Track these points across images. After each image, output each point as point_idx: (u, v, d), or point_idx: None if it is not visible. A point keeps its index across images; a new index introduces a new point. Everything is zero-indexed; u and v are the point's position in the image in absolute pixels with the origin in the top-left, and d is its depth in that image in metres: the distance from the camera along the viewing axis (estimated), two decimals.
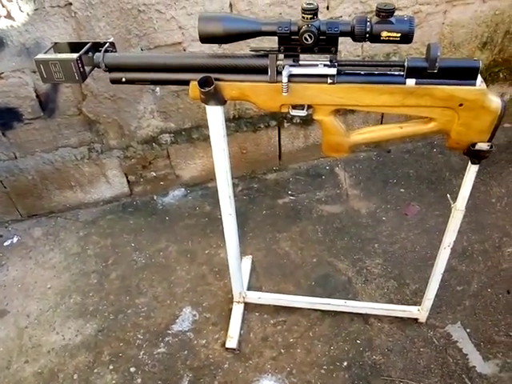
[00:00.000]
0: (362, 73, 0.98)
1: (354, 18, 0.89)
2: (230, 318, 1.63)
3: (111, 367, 1.55)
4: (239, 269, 1.55)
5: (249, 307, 1.68)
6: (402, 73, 0.96)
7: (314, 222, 1.97)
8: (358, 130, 1.12)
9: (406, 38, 0.86)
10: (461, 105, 0.97)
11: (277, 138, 2.17)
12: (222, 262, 1.79)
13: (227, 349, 1.56)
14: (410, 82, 0.96)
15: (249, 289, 1.73)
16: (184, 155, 2.10)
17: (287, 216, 2.01)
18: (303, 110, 1.07)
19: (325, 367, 1.50)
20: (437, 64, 0.91)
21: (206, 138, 2.05)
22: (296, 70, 0.97)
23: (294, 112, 1.08)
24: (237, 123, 2.06)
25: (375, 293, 1.70)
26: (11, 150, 1.90)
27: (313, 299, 1.63)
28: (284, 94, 0.98)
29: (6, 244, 2.01)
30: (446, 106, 0.98)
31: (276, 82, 0.99)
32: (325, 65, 0.97)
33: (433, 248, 1.79)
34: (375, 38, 0.88)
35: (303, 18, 0.89)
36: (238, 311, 1.65)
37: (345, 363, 1.51)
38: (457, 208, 1.21)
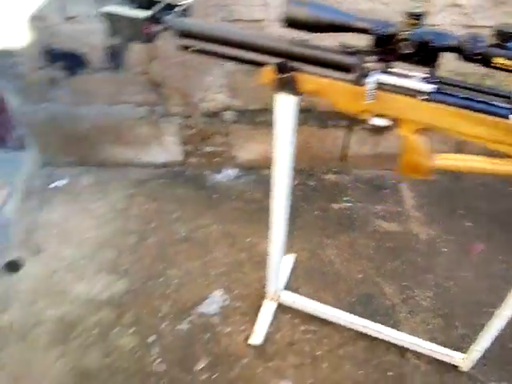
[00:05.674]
0: (461, 96, 0.84)
1: (466, 34, 0.76)
2: (259, 313, 1.55)
3: (131, 331, 1.51)
4: (278, 266, 1.46)
5: (281, 307, 1.58)
6: (509, 106, 0.81)
7: (366, 235, 1.85)
8: (443, 155, 0.99)
9: None
10: None
11: (343, 139, 2.04)
12: (263, 253, 1.69)
13: (250, 344, 1.48)
14: None
15: (285, 288, 1.64)
16: (244, 136, 2.02)
17: (339, 223, 1.90)
18: (386, 120, 0.95)
19: None
20: None
21: (271, 124, 1.96)
22: (386, 79, 0.86)
23: (375, 120, 0.96)
24: (305, 115, 1.93)
25: (418, 327, 1.56)
26: (73, 96, 1.87)
27: (351, 317, 1.51)
28: (367, 101, 0.88)
29: (53, 185, 2.01)
30: None
31: (362, 85, 0.88)
32: (422, 78, 0.85)
33: (491, 295, 1.63)
34: (486, 61, 0.75)
35: (406, 22, 0.77)
36: (269, 308, 1.56)
37: None
38: None
